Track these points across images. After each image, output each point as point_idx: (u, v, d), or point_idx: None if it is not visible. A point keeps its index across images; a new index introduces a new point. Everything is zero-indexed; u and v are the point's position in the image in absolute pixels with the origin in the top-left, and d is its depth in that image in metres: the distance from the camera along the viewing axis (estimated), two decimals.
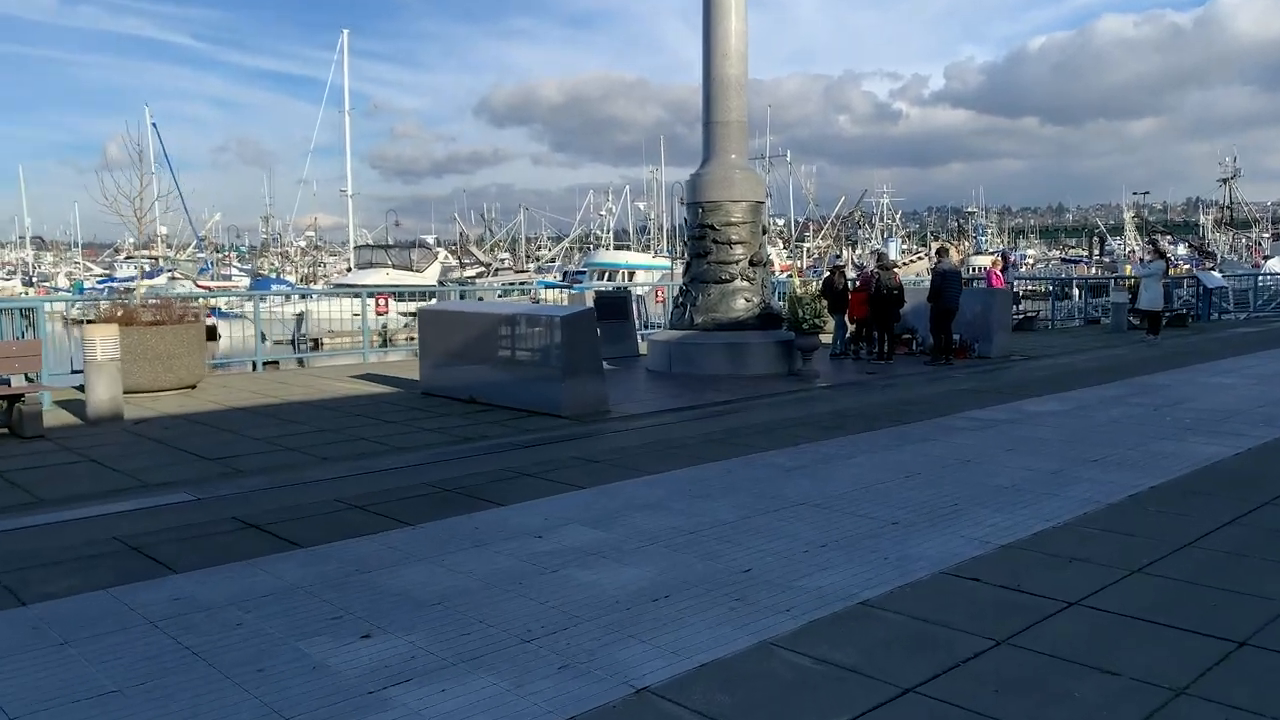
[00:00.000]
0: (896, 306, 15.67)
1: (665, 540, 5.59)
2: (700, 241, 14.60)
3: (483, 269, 44.05)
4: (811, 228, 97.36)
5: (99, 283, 70.79)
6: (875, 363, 15.54)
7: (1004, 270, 24.84)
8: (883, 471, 7.41)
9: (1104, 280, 37.00)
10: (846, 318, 16.49)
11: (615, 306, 16.75)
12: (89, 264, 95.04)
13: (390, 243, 54.36)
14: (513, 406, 10.86)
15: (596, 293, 16.73)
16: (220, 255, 77.04)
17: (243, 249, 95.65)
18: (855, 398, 11.82)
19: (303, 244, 68.60)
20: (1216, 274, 29.83)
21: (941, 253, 16.92)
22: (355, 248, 55.74)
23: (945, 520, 5.97)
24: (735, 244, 14.40)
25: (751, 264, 14.50)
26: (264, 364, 14.93)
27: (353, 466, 7.88)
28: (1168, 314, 21.10)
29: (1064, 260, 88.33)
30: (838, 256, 36.10)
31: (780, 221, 79.00)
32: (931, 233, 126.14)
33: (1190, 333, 21.97)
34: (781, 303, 14.72)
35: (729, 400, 11.60)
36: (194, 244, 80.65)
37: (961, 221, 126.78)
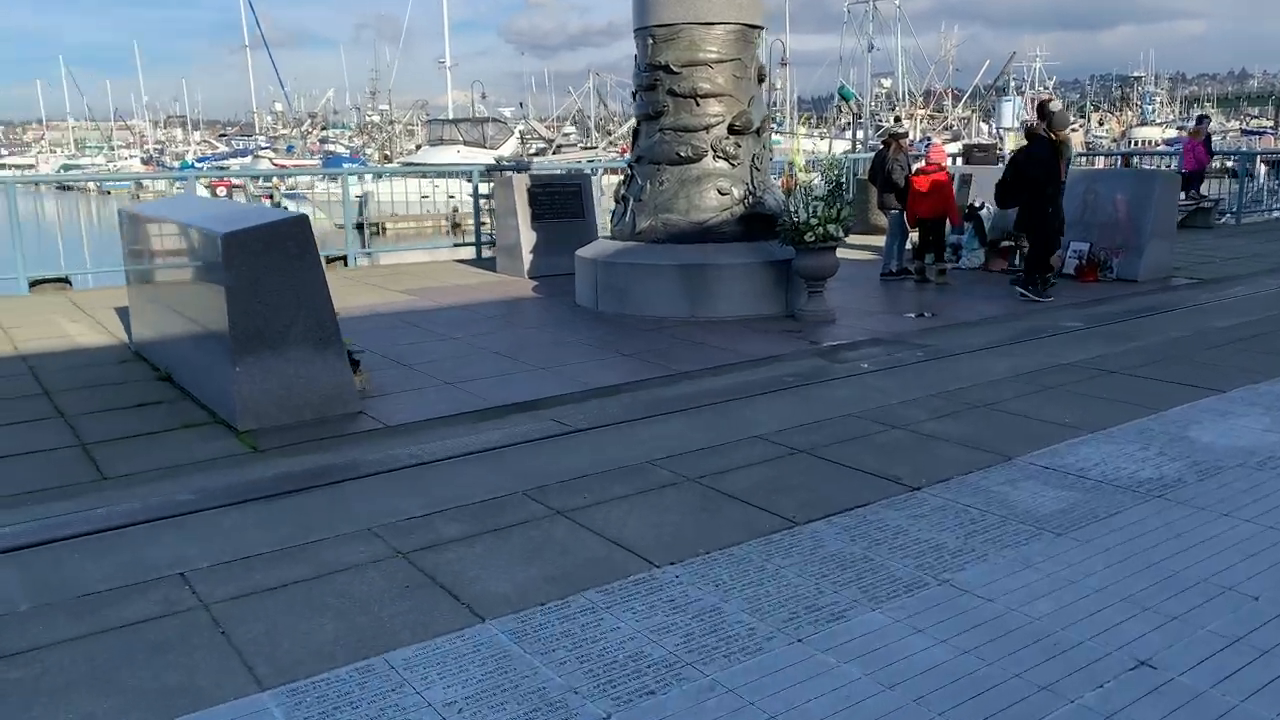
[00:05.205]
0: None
1: None
2: (650, 94, 9.00)
3: (544, 145, 38.52)
4: (950, 96, 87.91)
5: (198, 160, 69.43)
6: (938, 286, 9.77)
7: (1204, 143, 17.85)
8: None
9: None
10: (906, 217, 10.64)
11: (560, 201, 11.34)
12: (214, 142, 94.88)
13: (464, 118, 49.06)
14: (197, 399, 5.94)
15: (531, 179, 11.21)
16: (309, 133, 73.88)
17: (347, 126, 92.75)
18: (847, 391, 6.30)
19: (375, 119, 63.80)
20: None
21: (1042, 111, 9.94)
22: (426, 122, 51.05)
23: None
24: (706, 97, 8.76)
25: (734, 132, 8.87)
26: (33, 284, 10.33)
27: None
28: None
29: (1245, 132, 76.20)
30: (897, 120, 28.48)
31: (886, 83, 69.62)
32: (1091, 103, 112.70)
33: None
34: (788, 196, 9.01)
35: (616, 386, 6.30)
36: (298, 122, 77.88)
37: (1126, 89, 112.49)
